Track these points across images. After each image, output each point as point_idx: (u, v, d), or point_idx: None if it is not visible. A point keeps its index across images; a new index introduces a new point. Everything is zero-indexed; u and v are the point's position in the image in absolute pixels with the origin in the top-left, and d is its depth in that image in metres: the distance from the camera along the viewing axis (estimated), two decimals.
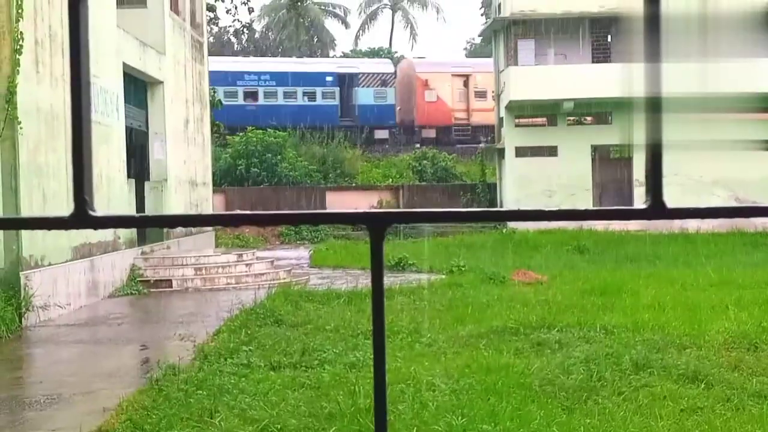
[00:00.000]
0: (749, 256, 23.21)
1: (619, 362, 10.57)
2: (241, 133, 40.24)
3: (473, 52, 74.68)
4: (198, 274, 20.81)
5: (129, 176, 20.78)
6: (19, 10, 14.65)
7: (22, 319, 14.76)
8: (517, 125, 35.70)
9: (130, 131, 21.28)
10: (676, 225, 30.20)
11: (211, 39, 51.68)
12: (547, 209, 0.95)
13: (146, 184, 22.70)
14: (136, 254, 20.74)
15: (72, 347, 13.60)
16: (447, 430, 8.29)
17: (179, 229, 23.94)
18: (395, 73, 48.75)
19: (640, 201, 0.97)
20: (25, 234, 14.78)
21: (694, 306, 14.70)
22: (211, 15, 39.05)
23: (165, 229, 22.82)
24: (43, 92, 15.76)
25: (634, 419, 8.76)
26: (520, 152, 35.10)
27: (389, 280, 18.83)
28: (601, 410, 9.02)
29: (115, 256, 19.39)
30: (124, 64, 20.20)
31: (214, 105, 31.98)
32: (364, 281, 18.10)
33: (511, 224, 30.38)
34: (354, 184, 41.19)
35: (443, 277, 20.53)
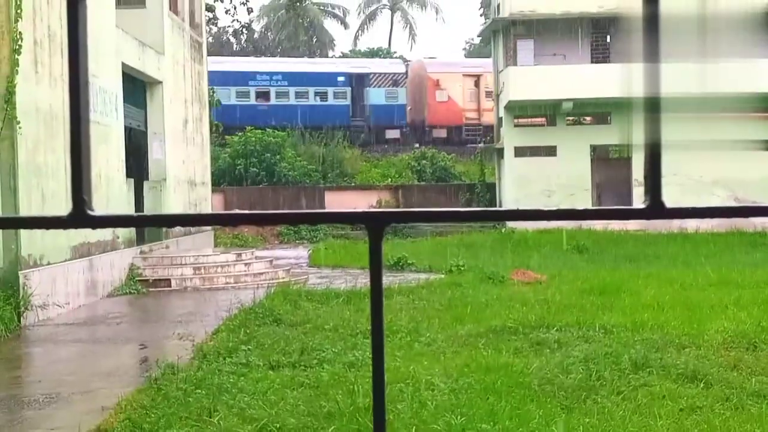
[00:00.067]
0: (748, 256, 23.22)
1: (618, 362, 10.57)
2: (239, 133, 40.27)
3: (472, 52, 74.67)
4: (197, 274, 20.81)
5: (128, 176, 20.78)
6: (18, 10, 14.64)
7: (21, 318, 14.76)
8: (516, 125, 35.72)
9: (129, 131, 21.28)
10: (675, 225, 30.23)
11: (210, 39, 51.70)
12: (546, 209, 0.95)
13: (145, 184, 22.70)
14: (134, 254, 20.74)
15: (71, 346, 13.60)
16: (446, 430, 8.29)
17: (178, 229, 23.94)
18: (406, 73, 48.82)
19: (639, 201, 0.97)
20: (24, 233, 14.78)
21: (693, 305, 14.70)
22: (210, 15, 39.03)
23: (164, 229, 22.82)
24: (42, 92, 15.76)
25: (633, 418, 8.76)
26: (519, 152, 35.12)
27: (388, 279, 18.84)
28: (600, 409, 9.02)
29: (114, 256, 19.39)
30: (123, 64, 20.20)
31: (213, 105, 31.97)
32: (363, 281, 18.11)
33: (510, 224, 30.39)
34: (353, 184, 41.21)
35: (442, 276, 20.54)
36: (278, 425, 8.51)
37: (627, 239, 27.95)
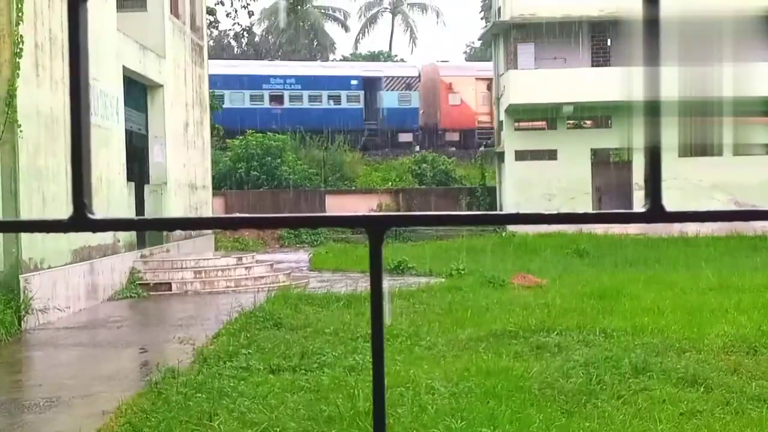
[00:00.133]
0: (748, 260, 23.21)
1: (618, 366, 10.57)
2: (240, 137, 40.32)
3: (473, 55, 74.72)
4: (197, 277, 20.80)
5: (128, 179, 20.78)
6: (20, 14, 14.66)
7: (22, 322, 14.75)
8: (516, 129, 35.73)
9: (129, 134, 21.29)
10: (676, 228, 30.22)
11: (211, 42, 51.72)
12: (546, 212, 0.95)
13: (146, 188, 22.70)
14: (135, 257, 20.74)
15: (71, 350, 13.60)
16: None
17: (179, 233, 23.93)
18: (419, 76, 48.90)
19: (639, 204, 0.97)
20: (25, 237, 14.79)
21: (693, 309, 14.69)
22: (211, 18, 39.05)
23: (164, 233, 22.82)
24: (43, 95, 15.77)
25: (633, 423, 8.76)
26: (520, 156, 35.12)
27: (388, 283, 18.83)
28: (600, 414, 9.02)
29: (115, 259, 19.39)
30: (124, 68, 20.21)
31: (215, 108, 31.97)
32: (364, 284, 18.11)
33: (511, 228, 30.40)
34: (354, 188, 41.21)
35: (443, 280, 20.53)
36: (279, 429, 8.50)
37: (627, 243, 27.95)
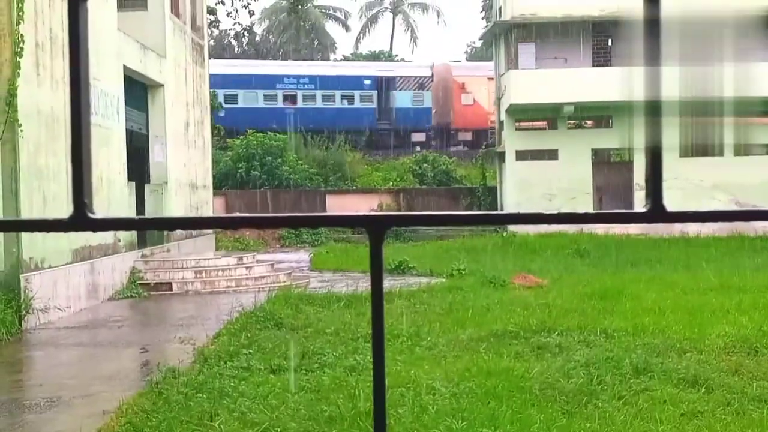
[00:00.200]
0: (749, 260, 23.19)
1: (619, 366, 10.56)
2: (241, 137, 40.36)
3: (474, 55, 74.73)
4: (198, 277, 20.80)
5: (129, 179, 20.79)
6: (20, 13, 14.66)
7: (22, 321, 14.76)
8: (517, 129, 35.72)
9: (130, 134, 21.29)
10: (677, 229, 30.22)
11: (212, 42, 51.72)
12: (547, 212, 0.95)
13: (146, 187, 22.71)
14: (136, 257, 20.74)
15: (72, 350, 13.60)
16: None
17: (179, 232, 23.94)
18: (432, 76, 48.95)
19: (640, 205, 0.96)
20: (25, 237, 14.79)
21: (694, 310, 14.69)
22: (212, 18, 39.08)
23: (165, 232, 22.83)
24: (43, 95, 15.77)
25: (634, 423, 8.75)
26: (521, 156, 35.12)
27: (389, 283, 18.83)
28: (601, 414, 9.01)
29: (115, 259, 19.39)
30: (125, 67, 20.21)
31: (215, 108, 31.98)
32: (364, 284, 18.10)
33: (512, 228, 30.39)
34: (354, 188, 41.22)
35: (443, 280, 20.53)
36: (279, 429, 8.50)
37: (628, 243, 27.95)
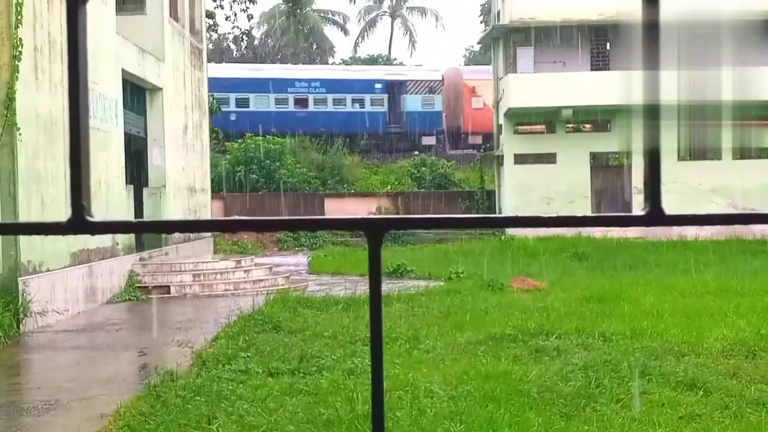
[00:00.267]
0: (748, 264, 23.20)
1: (617, 369, 10.56)
2: (239, 140, 40.41)
3: (472, 59, 74.75)
4: (196, 281, 20.79)
5: (127, 182, 20.78)
6: (19, 17, 14.66)
7: (20, 324, 14.74)
8: (515, 132, 35.73)
9: (128, 137, 21.28)
10: (675, 232, 30.22)
11: (210, 46, 51.77)
12: (545, 215, 0.95)
13: (145, 191, 22.70)
14: (134, 260, 20.73)
15: (70, 353, 13.59)
16: None
17: (177, 236, 23.94)
18: (443, 80, 49.03)
19: (638, 208, 0.97)
20: (24, 240, 14.78)
21: (692, 313, 14.69)
22: (211, 22, 39.09)
23: (163, 236, 22.82)
24: (42, 98, 15.77)
25: (632, 426, 8.75)
26: (519, 159, 35.13)
27: (387, 286, 18.83)
28: (599, 417, 9.01)
29: (114, 262, 19.38)
30: (123, 71, 20.21)
31: (213, 111, 31.98)
32: (363, 288, 18.10)
33: (510, 231, 30.40)
34: (353, 191, 41.23)
35: (442, 283, 20.52)
36: None
37: (626, 247, 27.94)
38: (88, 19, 0.95)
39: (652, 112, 0.92)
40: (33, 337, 14.71)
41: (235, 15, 46.04)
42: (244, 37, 60.90)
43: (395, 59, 70.20)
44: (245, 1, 36.81)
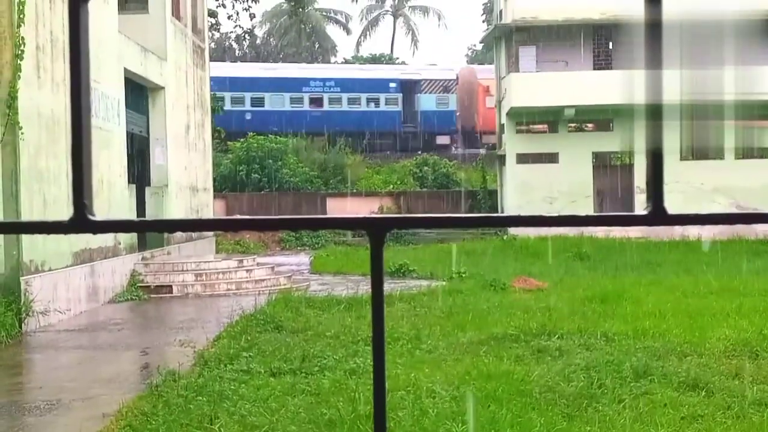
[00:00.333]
0: (750, 264, 23.18)
1: (619, 369, 10.56)
2: (242, 139, 40.43)
3: (474, 58, 74.75)
4: (198, 280, 20.80)
5: (130, 181, 20.78)
6: (21, 16, 14.66)
7: (22, 324, 14.74)
8: (518, 132, 35.72)
9: (131, 137, 21.29)
10: (677, 232, 30.20)
11: (213, 45, 51.74)
12: (547, 215, 0.95)
13: (147, 190, 22.71)
14: (136, 260, 20.74)
15: (72, 353, 13.59)
16: None
17: (179, 235, 23.94)
18: (457, 79, 49.06)
19: (641, 208, 0.96)
20: (26, 239, 14.78)
21: (694, 313, 14.68)
22: (213, 21, 39.11)
23: (165, 235, 22.82)
24: (44, 97, 15.77)
25: (634, 427, 8.74)
26: (521, 159, 35.11)
27: (390, 286, 18.83)
28: (601, 418, 9.00)
29: (116, 262, 19.39)
30: (126, 70, 20.22)
31: (216, 111, 32.00)
32: (365, 287, 18.10)
33: (512, 231, 30.40)
34: (355, 190, 41.23)
35: (444, 283, 20.51)
36: None
37: (628, 247, 27.90)
38: (90, 17, 0.94)
39: (654, 112, 0.92)
40: (35, 336, 14.72)
41: (238, 14, 46.13)
42: (246, 36, 60.91)
43: (397, 58, 70.20)
44: (247, 0, 36.83)
